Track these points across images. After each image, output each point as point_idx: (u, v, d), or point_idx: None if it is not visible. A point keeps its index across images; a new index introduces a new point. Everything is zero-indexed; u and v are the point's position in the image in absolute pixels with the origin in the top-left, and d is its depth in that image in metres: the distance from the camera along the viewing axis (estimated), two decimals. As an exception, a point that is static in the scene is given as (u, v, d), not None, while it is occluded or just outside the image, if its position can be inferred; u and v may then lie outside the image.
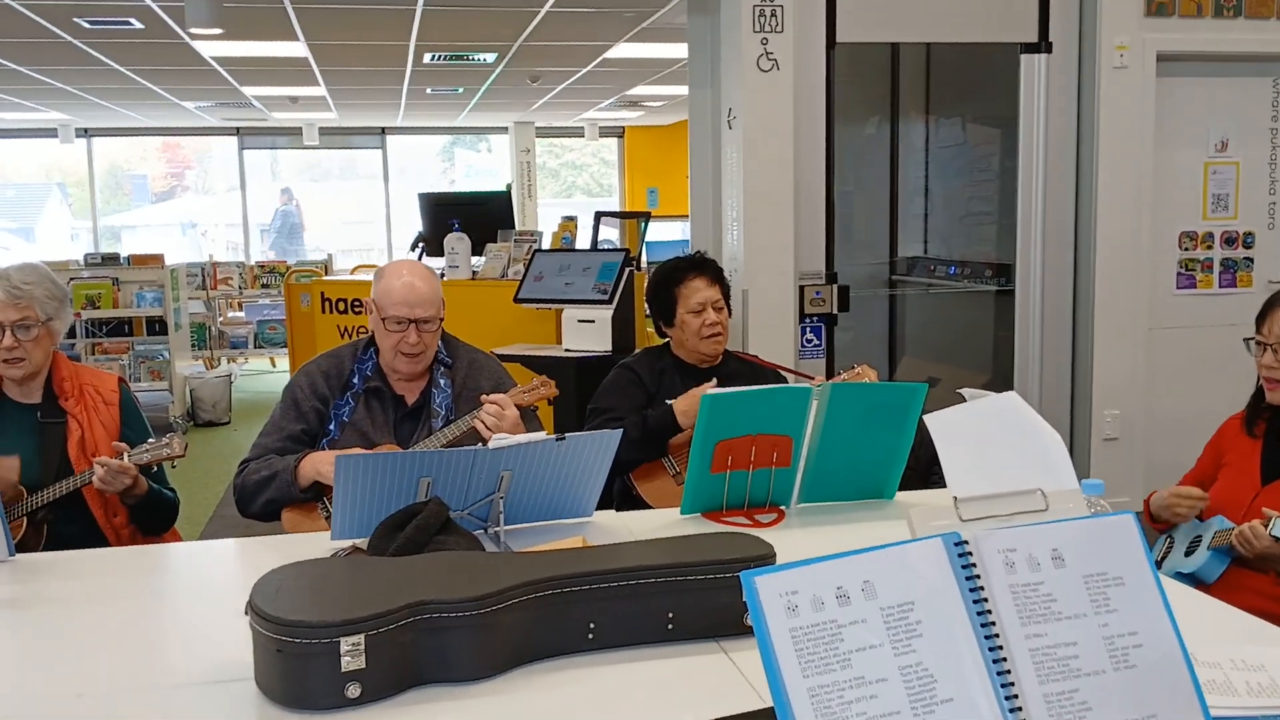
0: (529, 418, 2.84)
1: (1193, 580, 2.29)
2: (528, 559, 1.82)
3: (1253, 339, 2.40)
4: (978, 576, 1.35)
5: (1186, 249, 5.40)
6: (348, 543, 2.20)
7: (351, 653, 1.54)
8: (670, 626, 1.77)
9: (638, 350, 5.09)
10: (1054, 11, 5.21)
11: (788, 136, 4.91)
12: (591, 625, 1.74)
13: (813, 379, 3.50)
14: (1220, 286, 5.44)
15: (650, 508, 2.90)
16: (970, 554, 1.36)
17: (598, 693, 1.64)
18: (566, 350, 5.03)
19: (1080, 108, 5.26)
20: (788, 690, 1.27)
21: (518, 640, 1.69)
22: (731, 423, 2.41)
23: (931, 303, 6.57)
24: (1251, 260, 5.46)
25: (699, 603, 1.78)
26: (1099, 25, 5.13)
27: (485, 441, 2.60)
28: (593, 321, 5.05)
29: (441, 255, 6.05)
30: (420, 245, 6.76)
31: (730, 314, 3.23)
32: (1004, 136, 6.08)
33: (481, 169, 16.88)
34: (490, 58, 8.58)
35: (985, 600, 1.34)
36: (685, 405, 2.95)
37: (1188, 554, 2.38)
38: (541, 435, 2.27)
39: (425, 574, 1.72)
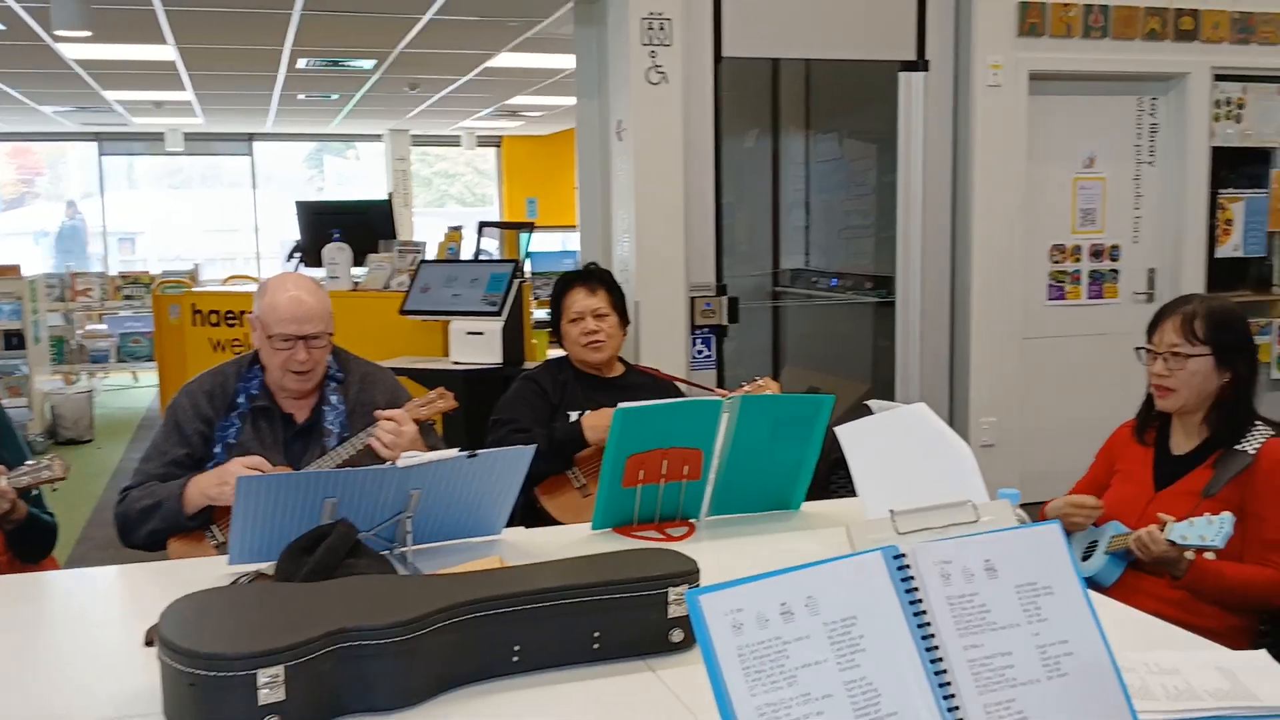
0: (427, 432, 2.77)
1: (1090, 584, 2.36)
2: (449, 581, 1.77)
3: (1144, 348, 2.49)
4: (916, 589, 1.36)
5: (1057, 261, 5.62)
6: (249, 568, 2.10)
7: (270, 684, 1.46)
8: (596, 646, 1.74)
9: (528, 363, 5.06)
10: (930, 31, 5.36)
11: (677, 149, 4.93)
12: (516, 647, 1.70)
13: (709, 390, 3.51)
14: (1088, 297, 5.67)
15: (556, 523, 2.86)
16: (908, 567, 1.37)
17: (524, 717, 1.60)
18: (455, 363, 4.95)
19: (956, 124, 5.43)
20: (735, 709, 1.25)
21: (441, 665, 1.64)
22: (643, 436, 2.39)
23: (814, 314, 6.69)
24: (1117, 272, 5.71)
25: (625, 621, 1.75)
26: (973, 45, 5.30)
27: (383, 459, 2.54)
28: (482, 334, 4.98)
29: (320, 265, 5.89)
30: (298, 255, 6.57)
31: (627, 322, 3.23)
32: (880, 152, 6.23)
33: (352, 177, 16.55)
34: (368, 64, 8.41)
35: (924, 613, 1.35)
36: (594, 421, 2.92)
37: (1084, 559, 2.45)
38: (452, 452, 2.21)
39: (343, 600, 1.65)
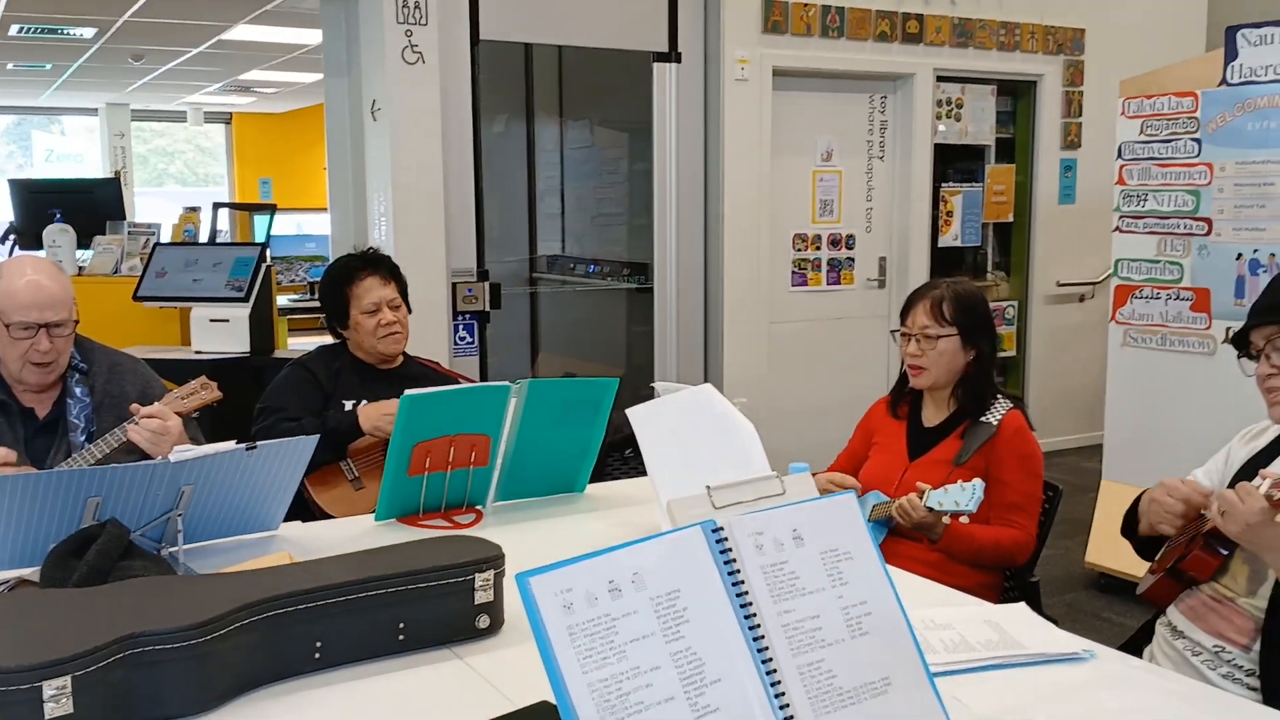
0: (189, 425, 2.62)
1: (856, 550, 2.51)
2: (242, 580, 1.68)
3: (898, 331, 2.67)
4: (734, 560, 1.41)
5: (799, 250, 5.91)
6: (9, 574, 1.92)
7: (56, 697, 1.35)
8: (402, 637, 1.70)
9: (278, 351, 4.85)
10: (682, 24, 5.51)
11: (435, 131, 4.85)
12: (318, 644, 1.64)
13: (470, 381, 3.48)
14: (828, 284, 6.01)
15: (328, 516, 2.77)
16: (726, 539, 1.42)
17: (330, 715, 1.55)
18: (197, 352, 4.70)
19: (707, 115, 5.61)
20: (569, 687, 1.26)
21: (239, 667, 1.56)
22: (430, 424, 2.35)
23: (571, 300, 6.75)
24: (853, 260, 6.07)
25: (431, 610, 1.72)
26: (722, 39, 5.49)
27: (148, 455, 2.38)
28: (227, 321, 4.74)
29: (40, 248, 5.42)
30: (11, 237, 6.02)
31: (410, 311, 3.15)
32: (632, 140, 6.36)
33: (63, 154, 15.27)
34: (88, 33, 7.78)
35: (742, 582, 1.41)
36: (371, 413, 2.84)
37: (850, 527, 2.61)
38: (229, 445, 2.10)
39: (129, 604, 1.54)
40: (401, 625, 1.70)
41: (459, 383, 3.07)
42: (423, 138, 4.82)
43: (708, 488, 1.52)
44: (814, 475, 2.72)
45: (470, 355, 5.06)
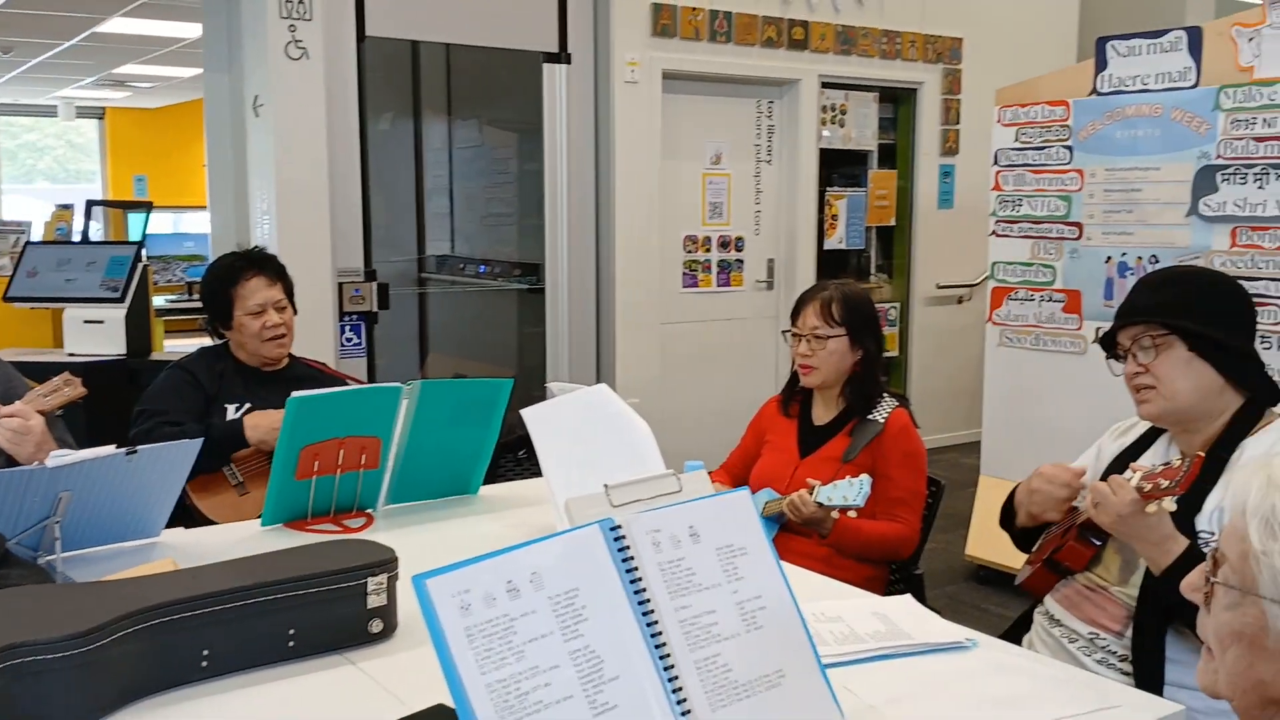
0: (55, 424, 2.52)
1: (748, 547, 2.55)
2: (126, 587, 1.63)
3: (789, 331, 2.72)
4: (632, 558, 1.43)
5: (690, 251, 5.97)
6: None
7: (-74, 717, 1.29)
8: (292, 644, 1.67)
9: (155, 354, 4.70)
10: (572, 25, 5.51)
11: (320, 128, 4.76)
12: (206, 652, 1.60)
13: (360, 383, 3.43)
14: (718, 285, 6.08)
15: (211, 523, 2.69)
16: (624, 537, 1.43)
17: (220, 724, 1.52)
18: (70, 355, 4.54)
19: (598, 117, 5.62)
20: (467, 689, 1.26)
21: (125, 677, 1.52)
22: (318, 426, 2.31)
23: (461, 300, 6.70)
24: (742, 262, 6.15)
25: (322, 615, 1.69)
26: (612, 41, 5.52)
27: (16, 461, 2.29)
28: (102, 322, 4.59)
29: (-103, 246, 5.17)
30: None
31: (295, 312, 3.08)
32: (521, 140, 6.34)
33: (-78, 149, 14.53)
34: (-52, 21, 7.44)
35: (640, 579, 1.42)
36: (257, 421, 2.77)
37: (742, 524, 2.65)
38: (109, 450, 2.03)
39: (9, 613, 1.48)
40: (292, 632, 1.67)
41: (347, 384, 3.01)
42: (307, 135, 4.73)
43: (605, 486, 1.53)
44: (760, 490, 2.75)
45: (357, 357, 4.98)
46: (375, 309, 5.00)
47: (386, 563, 1.76)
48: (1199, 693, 1.80)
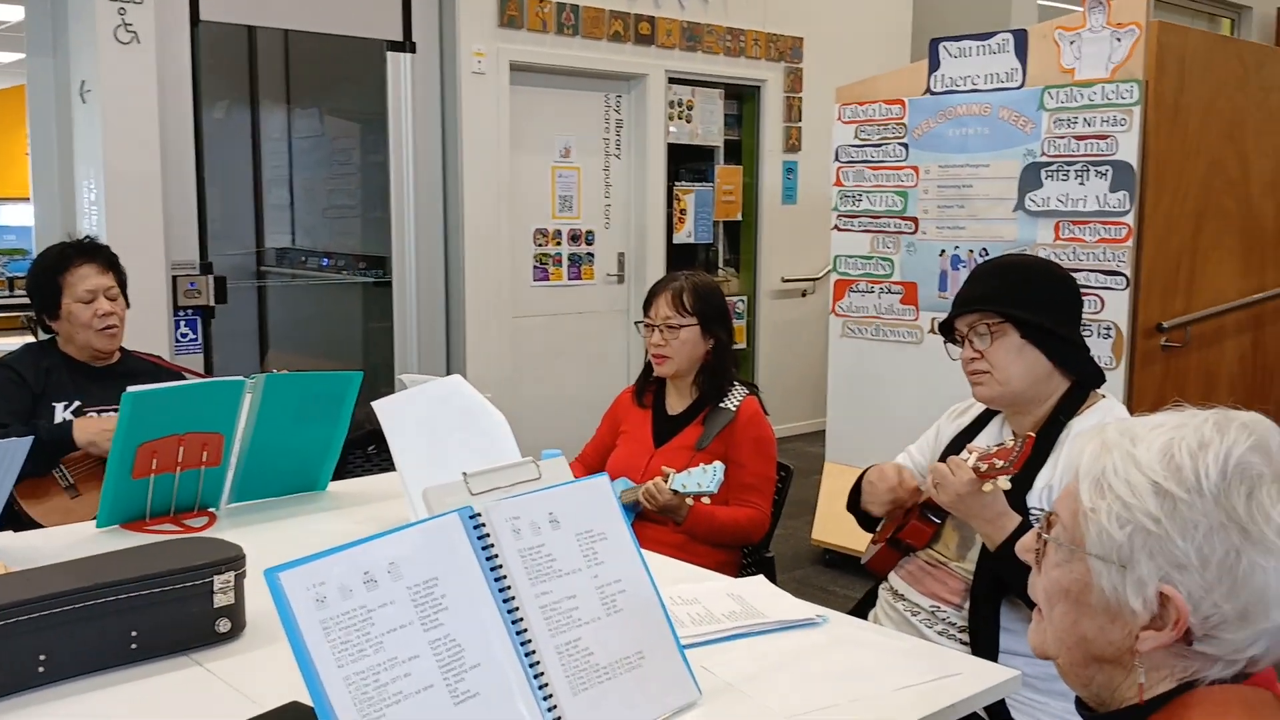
0: None
1: (603, 536, 2.56)
2: (-51, 593, 1.53)
3: (642, 322, 2.75)
4: (492, 545, 1.42)
5: (540, 245, 5.95)
6: None
7: None
8: (134, 646, 1.61)
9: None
10: (416, 13, 5.43)
11: (152, 115, 4.56)
12: (43, 657, 1.52)
13: (201, 376, 3.31)
14: (569, 279, 6.08)
15: (41, 528, 2.56)
16: (484, 525, 1.42)
17: (57, 733, 1.45)
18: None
19: (445, 108, 5.55)
20: (324, 682, 1.23)
21: (-51, 689, 1.43)
22: (156, 423, 2.22)
23: (303, 294, 6.52)
24: (593, 255, 6.17)
25: (167, 616, 1.63)
26: (458, 31, 5.45)
27: None
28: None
29: None
30: None
31: (129, 304, 2.94)
32: (364, 131, 6.21)
33: None
34: None
35: (500, 566, 1.42)
36: (87, 425, 2.63)
37: (597, 513, 2.66)
38: (-74, 449, 1.91)
39: None
40: (134, 634, 1.60)
41: (186, 378, 2.90)
42: (138, 122, 4.53)
43: (464, 474, 1.51)
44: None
45: (193, 353, 4.79)
46: (212, 303, 4.82)
47: (233, 560, 1.71)
48: (1032, 660, 1.90)
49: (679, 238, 6.49)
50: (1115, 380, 3.78)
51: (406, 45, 5.41)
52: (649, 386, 2.83)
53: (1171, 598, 0.99)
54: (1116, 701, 1.07)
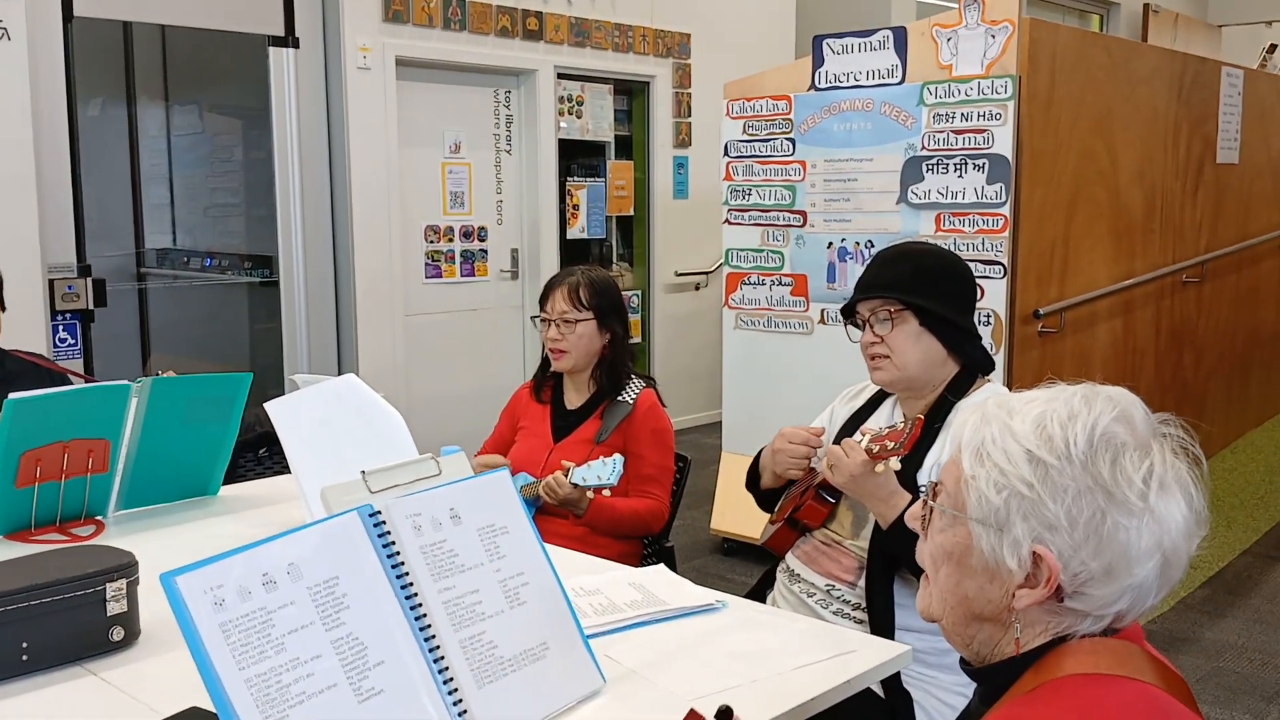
0: None
1: (503, 532, 2.57)
2: None
3: (538, 317, 2.75)
4: (393, 543, 1.42)
5: (432, 242, 5.90)
6: None
7: None
8: (26, 658, 1.57)
9: None
10: (299, 8, 5.33)
11: (24, 114, 4.39)
12: (-77, 675, 1.47)
13: (89, 380, 3.22)
14: (462, 275, 6.04)
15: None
16: (384, 523, 1.42)
17: (-57, 751, 1.40)
18: None
19: (330, 104, 5.46)
20: (225, 686, 1.23)
21: None
22: (39, 429, 2.15)
23: (186, 296, 6.35)
24: (486, 252, 6.14)
25: (58, 626, 1.59)
26: (342, 25, 5.37)
27: None
28: None
29: None
30: None
31: (4, 308, 2.84)
32: (247, 127, 6.08)
33: None
34: None
35: (402, 564, 1.42)
36: None
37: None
38: None
39: None
40: (25, 645, 1.56)
41: (70, 380, 2.82)
42: (10, 120, 4.36)
43: (363, 472, 1.51)
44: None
45: (73, 358, 4.64)
46: (91, 307, 4.67)
47: (125, 567, 1.68)
48: (924, 635, 1.98)
49: (572, 233, 6.51)
50: (996, 365, 3.92)
51: (289, 40, 5.31)
52: (547, 382, 2.84)
53: (1044, 557, 1.06)
54: (995, 657, 1.13)
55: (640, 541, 2.74)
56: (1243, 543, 4.81)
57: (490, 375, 6.01)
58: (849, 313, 2.19)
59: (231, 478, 2.73)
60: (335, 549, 1.37)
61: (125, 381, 2.29)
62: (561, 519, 2.59)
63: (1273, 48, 7.52)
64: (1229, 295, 5.90)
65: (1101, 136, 4.46)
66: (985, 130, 3.90)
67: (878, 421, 2.20)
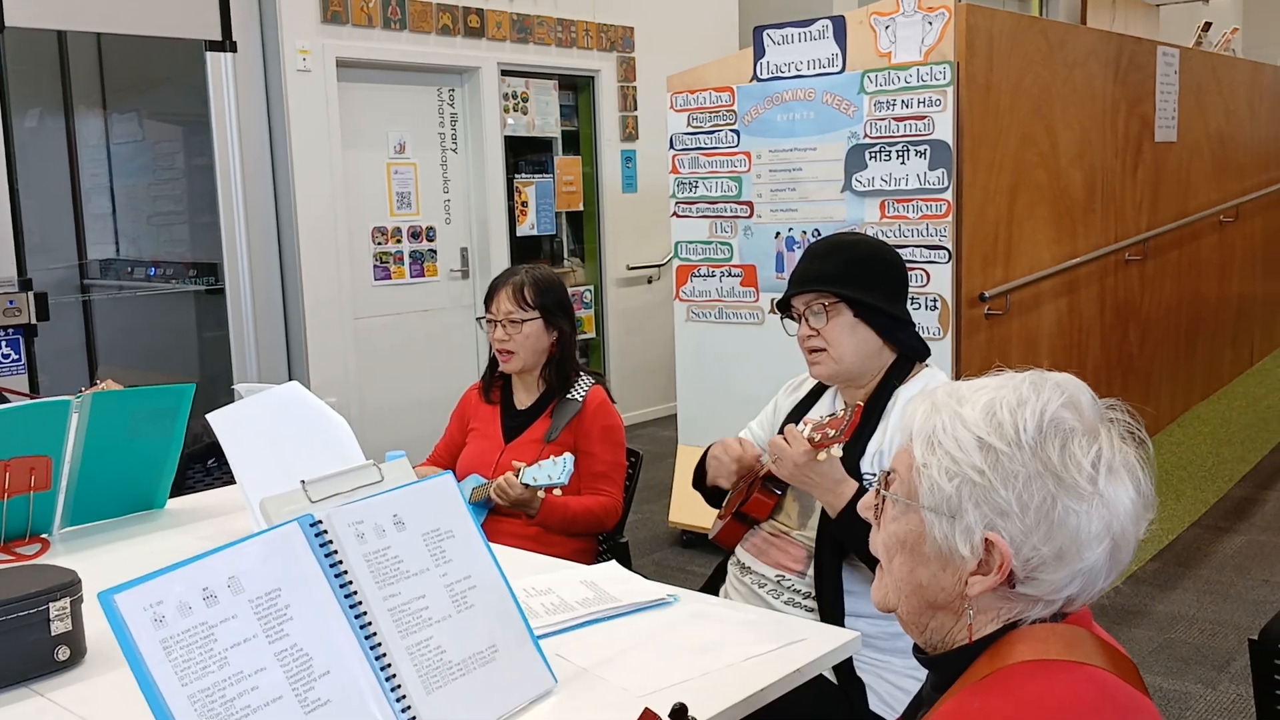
0: None
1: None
2: None
3: (484, 318, 2.74)
4: (335, 552, 1.41)
5: (380, 243, 5.86)
6: None
7: None
8: (-35, 683, 1.54)
9: None
10: (235, 12, 5.26)
11: (-45, 126, 4.32)
12: None
13: (30, 396, 3.17)
14: (411, 276, 6.01)
15: None
16: (326, 532, 1.42)
17: (-117, 782, 1.38)
18: None
19: (270, 108, 5.41)
20: (168, 703, 1.22)
21: None
22: (-23, 448, 2.12)
23: (132, 307, 6.26)
24: (435, 252, 6.11)
25: (3, 647, 1.57)
26: (280, 28, 5.32)
27: None
28: None
29: None
30: None
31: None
32: (188, 134, 6.00)
33: None
34: None
35: (345, 573, 1.41)
36: None
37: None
38: None
39: None
40: (-36, 671, 1.54)
41: (7, 398, 2.77)
42: (-61, 133, 4.28)
43: (302, 482, 1.50)
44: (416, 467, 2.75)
45: (17, 374, 4.56)
46: (34, 321, 4.60)
47: (68, 585, 1.66)
48: (874, 620, 2.00)
49: (522, 230, 6.49)
50: (943, 349, 3.96)
51: (226, 45, 5.25)
52: (495, 382, 2.83)
53: (996, 543, 1.07)
54: (949, 644, 1.15)
55: (594, 538, 2.74)
56: (1191, 515, 4.90)
57: (443, 376, 5.98)
58: (785, 308, 2.21)
59: (180, 489, 2.71)
60: (276, 561, 1.36)
61: (66, 398, 2.26)
62: (514, 519, 2.59)
63: (1208, 25, 7.64)
64: (1171, 272, 6.00)
65: (1041, 119, 4.51)
66: (926, 116, 3.94)
67: (820, 412, 2.22)
